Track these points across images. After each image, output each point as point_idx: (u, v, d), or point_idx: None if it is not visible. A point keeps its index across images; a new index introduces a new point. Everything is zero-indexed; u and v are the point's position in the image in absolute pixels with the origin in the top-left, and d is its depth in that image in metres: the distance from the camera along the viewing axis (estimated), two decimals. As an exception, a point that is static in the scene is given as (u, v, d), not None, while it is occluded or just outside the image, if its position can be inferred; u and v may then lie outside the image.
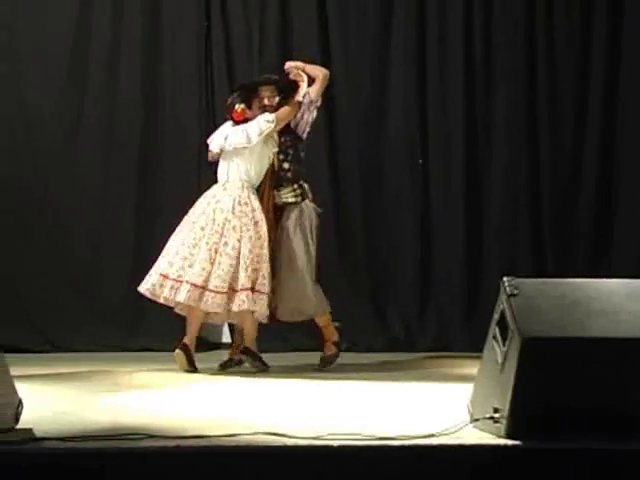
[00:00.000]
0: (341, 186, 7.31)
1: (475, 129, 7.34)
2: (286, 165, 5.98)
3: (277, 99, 5.98)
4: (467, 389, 3.94)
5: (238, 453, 3.37)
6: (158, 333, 6.73)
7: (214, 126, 7.14)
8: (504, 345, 3.58)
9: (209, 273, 5.68)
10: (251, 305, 5.71)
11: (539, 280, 3.78)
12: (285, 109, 5.93)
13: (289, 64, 6.08)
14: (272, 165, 5.98)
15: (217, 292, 5.68)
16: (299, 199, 5.95)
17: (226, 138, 5.92)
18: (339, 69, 7.23)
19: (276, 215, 5.95)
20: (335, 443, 3.38)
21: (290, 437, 3.46)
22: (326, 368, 5.96)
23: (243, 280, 5.69)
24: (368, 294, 7.27)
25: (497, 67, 7.35)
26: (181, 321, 5.98)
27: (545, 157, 7.38)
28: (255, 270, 5.72)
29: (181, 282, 5.71)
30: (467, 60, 7.32)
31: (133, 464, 3.33)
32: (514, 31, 7.34)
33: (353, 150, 7.34)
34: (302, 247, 5.87)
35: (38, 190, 7.07)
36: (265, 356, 6.04)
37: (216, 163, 6.03)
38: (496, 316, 3.68)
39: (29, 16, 7.07)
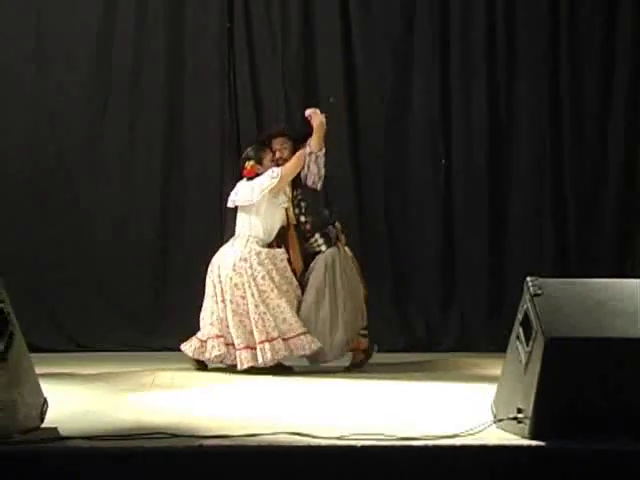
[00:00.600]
0: (364, 186, 7.31)
1: (499, 129, 7.32)
2: (302, 218, 5.98)
3: (288, 150, 5.95)
4: (490, 389, 3.93)
5: (261, 453, 3.38)
6: (180, 333, 6.75)
7: (237, 126, 7.20)
8: (528, 345, 3.56)
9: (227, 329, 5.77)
10: (275, 355, 5.71)
11: (563, 280, 3.76)
12: (290, 163, 5.91)
13: (309, 111, 5.96)
14: (288, 217, 5.98)
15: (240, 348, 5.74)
16: (324, 247, 5.93)
17: (236, 194, 5.97)
18: (361, 69, 7.23)
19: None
20: (358, 443, 3.38)
21: (313, 437, 3.46)
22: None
23: (257, 336, 5.71)
24: (391, 294, 7.26)
25: (520, 67, 7.33)
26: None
27: (569, 157, 7.35)
28: (263, 322, 5.71)
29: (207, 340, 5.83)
30: (489, 60, 7.29)
31: (157, 463, 3.34)
32: (537, 28, 7.32)
33: (376, 150, 7.34)
34: (324, 289, 5.85)
35: (65, 193, 7.11)
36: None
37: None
38: (520, 316, 3.67)
39: (55, 20, 7.11)
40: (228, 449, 3.40)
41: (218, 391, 5.13)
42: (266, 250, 5.84)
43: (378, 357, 6.62)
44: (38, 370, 3.81)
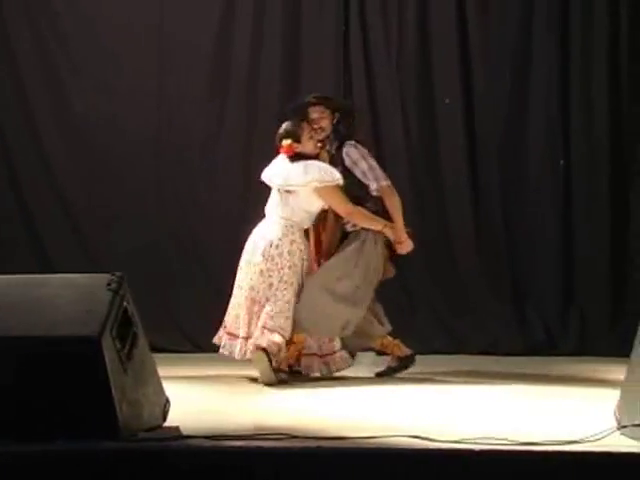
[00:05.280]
0: (481, 185, 7.22)
1: (620, 127, 7.15)
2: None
3: (327, 120, 5.59)
4: (613, 395, 3.84)
5: (379, 455, 3.37)
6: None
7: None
8: (653, 350, 3.48)
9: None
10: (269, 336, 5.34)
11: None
12: (362, 216, 5.52)
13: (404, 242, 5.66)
14: None
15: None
16: (357, 227, 5.61)
17: (282, 173, 5.52)
18: (479, 68, 7.15)
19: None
20: (477, 447, 3.35)
21: (432, 440, 3.44)
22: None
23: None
24: (508, 295, 7.16)
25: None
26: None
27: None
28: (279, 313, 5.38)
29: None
30: (612, 63, 7.13)
31: (275, 463, 3.38)
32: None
33: (493, 149, 7.25)
34: (345, 268, 5.51)
35: (183, 194, 7.24)
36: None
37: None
38: (644, 320, 3.58)
39: (174, 31, 7.23)
40: (346, 450, 3.41)
41: (335, 393, 5.14)
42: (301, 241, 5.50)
43: (496, 360, 6.54)
44: (161, 371, 3.89)
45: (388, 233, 5.60)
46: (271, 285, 5.43)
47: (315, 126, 5.56)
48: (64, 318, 3.54)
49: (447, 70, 7.17)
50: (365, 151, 5.68)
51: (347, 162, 5.62)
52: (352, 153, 5.63)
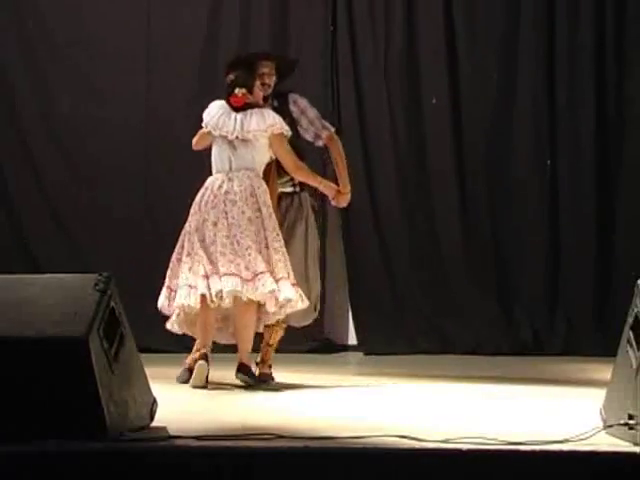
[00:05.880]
0: (468, 187, 7.25)
1: (605, 127, 7.17)
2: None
3: (275, 78, 5.41)
4: (599, 394, 3.86)
5: (366, 455, 3.38)
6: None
7: (339, 130, 7.22)
8: (639, 350, 3.49)
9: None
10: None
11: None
12: (306, 174, 5.34)
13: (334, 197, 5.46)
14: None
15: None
16: (297, 188, 5.46)
17: (237, 124, 5.26)
18: (466, 71, 7.17)
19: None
20: (464, 447, 3.36)
21: (419, 440, 3.45)
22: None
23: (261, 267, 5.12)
24: (495, 296, 7.19)
25: (630, 63, 7.16)
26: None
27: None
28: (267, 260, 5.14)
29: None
30: (598, 59, 7.15)
31: (262, 464, 3.37)
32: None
33: (480, 149, 7.27)
34: (304, 239, 5.40)
35: (172, 200, 7.20)
36: (390, 359, 6.01)
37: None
38: (630, 320, 3.59)
39: (162, 30, 7.22)
40: (333, 450, 3.42)
41: (323, 392, 5.15)
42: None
43: (482, 360, 6.57)
44: (147, 371, 3.88)
45: (326, 190, 5.43)
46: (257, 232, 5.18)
47: (265, 81, 5.39)
48: (51, 318, 3.53)
49: (434, 70, 7.19)
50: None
51: (294, 111, 5.46)
52: (300, 102, 5.48)
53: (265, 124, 5.27)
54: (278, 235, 5.23)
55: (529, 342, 7.05)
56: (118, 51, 7.18)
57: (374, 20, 7.23)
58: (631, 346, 3.55)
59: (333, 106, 7.22)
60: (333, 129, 5.58)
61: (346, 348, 7.12)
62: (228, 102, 5.34)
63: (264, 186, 5.29)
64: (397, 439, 3.47)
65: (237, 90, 5.29)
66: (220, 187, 5.28)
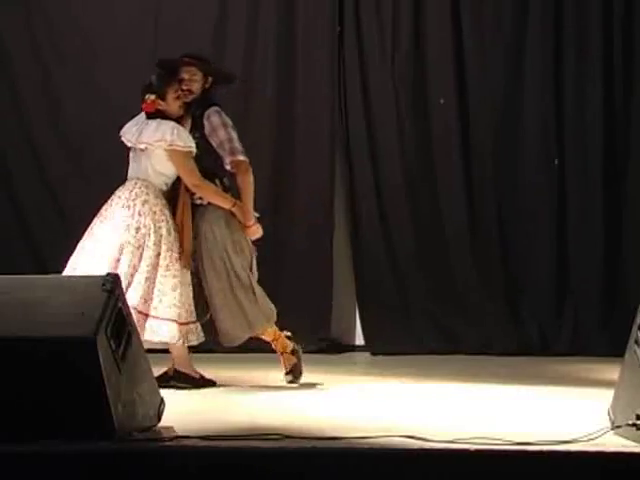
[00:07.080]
0: (475, 185, 7.23)
1: (613, 126, 7.16)
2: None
3: (197, 83, 5.14)
4: (606, 394, 3.85)
5: (374, 455, 3.38)
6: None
7: (347, 131, 7.22)
8: (647, 350, 3.49)
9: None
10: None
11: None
12: (212, 192, 5.09)
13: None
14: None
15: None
16: (204, 201, 5.15)
17: (139, 132, 5.10)
18: (473, 72, 7.16)
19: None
20: (472, 447, 3.36)
21: (427, 440, 3.45)
22: (297, 380, 5.26)
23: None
24: (502, 296, 7.17)
25: (638, 63, 7.14)
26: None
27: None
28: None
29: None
30: (605, 60, 7.14)
31: (270, 464, 3.38)
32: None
33: (487, 149, 7.25)
34: (219, 256, 5.10)
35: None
36: (398, 359, 5.98)
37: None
38: (638, 319, 3.59)
39: (169, 32, 7.23)
40: (341, 451, 3.42)
41: (331, 392, 5.15)
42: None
43: (490, 360, 6.55)
44: (156, 371, 3.89)
45: (237, 213, 5.13)
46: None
47: (184, 87, 5.10)
48: (59, 319, 3.54)
49: (442, 70, 7.18)
50: (229, 121, 5.20)
51: (206, 128, 5.16)
52: (214, 119, 5.16)
53: (154, 137, 5.05)
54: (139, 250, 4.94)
55: (537, 342, 7.04)
56: (124, 53, 7.18)
57: (381, 21, 7.22)
58: (639, 346, 3.54)
59: (340, 107, 7.22)
60: (243, 157, 5.18)
61: (353, 348, 7.11)
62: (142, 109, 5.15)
63: (149, 197, 5.02)
64: (404, 439, 3.48)
65: (147, 96, 5.09)
66: (113, 194, 5.18)
